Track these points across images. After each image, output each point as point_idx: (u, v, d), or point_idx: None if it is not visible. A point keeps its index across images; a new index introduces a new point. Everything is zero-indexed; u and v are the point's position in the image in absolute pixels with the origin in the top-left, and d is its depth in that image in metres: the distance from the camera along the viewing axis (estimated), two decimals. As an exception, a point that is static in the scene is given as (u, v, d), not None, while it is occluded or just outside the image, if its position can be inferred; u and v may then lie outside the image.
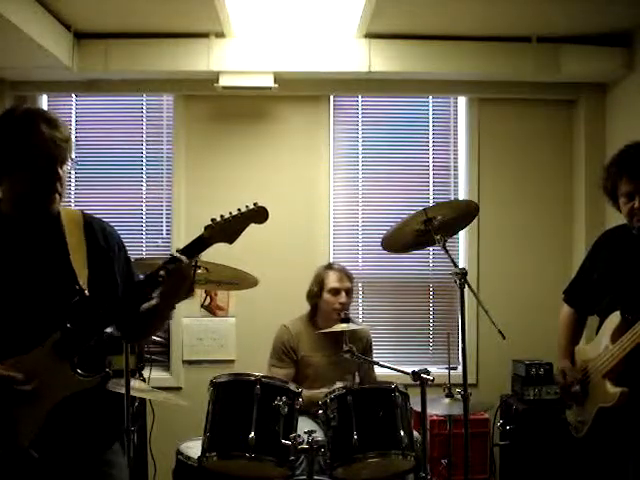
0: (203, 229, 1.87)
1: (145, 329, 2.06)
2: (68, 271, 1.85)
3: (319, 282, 3.56)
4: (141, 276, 2.02)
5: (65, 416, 1.78)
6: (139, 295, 1.87)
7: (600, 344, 2.56)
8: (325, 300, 3.52)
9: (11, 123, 1.84)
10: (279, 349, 3.52)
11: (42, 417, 1.75)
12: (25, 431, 1.74)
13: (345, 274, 3.59)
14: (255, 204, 1.90)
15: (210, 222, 1.87)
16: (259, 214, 1.90)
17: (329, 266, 3.65)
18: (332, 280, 3.53)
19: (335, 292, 3.51)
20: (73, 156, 1.89)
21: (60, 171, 1.84)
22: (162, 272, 1.82)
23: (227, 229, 1.87)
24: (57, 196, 1.86)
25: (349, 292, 3.57)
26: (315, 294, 3.56)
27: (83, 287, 1.83)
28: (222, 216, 1.88)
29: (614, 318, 2.49)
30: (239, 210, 1.89)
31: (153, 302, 1.91)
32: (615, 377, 2.46)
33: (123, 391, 2.76)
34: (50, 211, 1.88)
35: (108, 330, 1.91)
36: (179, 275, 1.84)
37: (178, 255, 1.83)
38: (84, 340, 1.80)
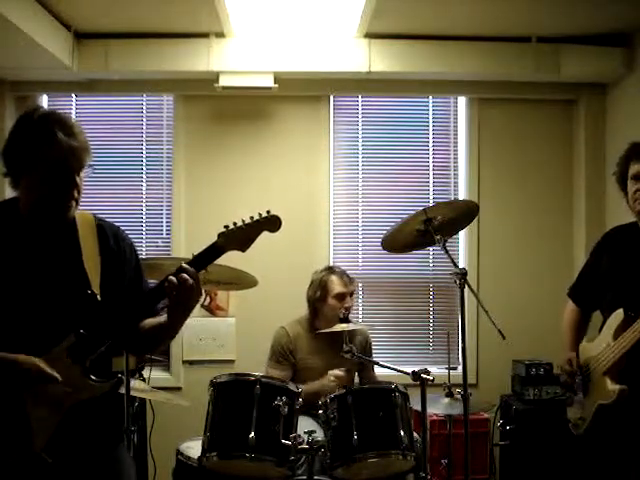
0: (217, 237, 1.84)
1: (152, 343, 2.03)
2: (81, 276, 1.84)
3: (323, 287, 3.50)
4: (150, 282, 2.02)
5: (76, 419, 1.77)
6: (147, 304, 1.86)
7: (602, 341, 2.57)
8: (330, 305, 3.48)
9: (29, 129, 1.80)
10: (277, 351, 3.50)
11: (55, 422, 1.74)
12: (39, 436, 1.73)
13: (348, 277, 3.56)
14: (268, 212, 1.87)
15: (223, 229, 1.83)
16: (272, 223, 1.87)
17: (331, 270, 3.59)
18: (337, 285, 3.50)
19: (341, 297, 3.48)
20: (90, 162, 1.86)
21: (77, 179, 1.82)
22: (169, 279, 1.77)
23: (240, 237, 1.83)
24: (73, 203, 1.84)
25: (352, 295, 3.55)
26: (318, 299, 3.51)
27: (95, 292, 1.82)
28: (235, 224, 1.84)
29: (617, 316, 2.51)
30: (252, 218, 1.85)
31: (162, 318, 1.88)
32: (616, 374, 2.46)
33: (123, 391, 2.76)
34: (66, 217, 1.87)
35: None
36: (185, 286, 1.77)
37: (185, 266, 1.79)
38: (97, 345, 1.78)
